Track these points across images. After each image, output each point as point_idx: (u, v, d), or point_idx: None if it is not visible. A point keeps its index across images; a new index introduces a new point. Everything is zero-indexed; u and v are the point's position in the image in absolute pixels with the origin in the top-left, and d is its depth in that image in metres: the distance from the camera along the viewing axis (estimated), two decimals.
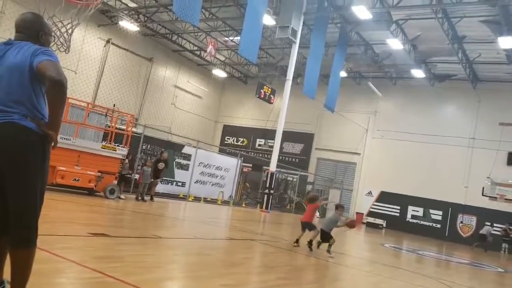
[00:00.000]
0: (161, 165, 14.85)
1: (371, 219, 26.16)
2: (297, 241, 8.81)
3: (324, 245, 8.62)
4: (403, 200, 26.22)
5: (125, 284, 3.90)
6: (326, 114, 26.13)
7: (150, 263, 5.17)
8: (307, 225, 9.02)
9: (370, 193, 27.62)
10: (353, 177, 28.87)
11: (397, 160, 26.70)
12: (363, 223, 26.39)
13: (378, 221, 25.81)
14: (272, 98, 20.02)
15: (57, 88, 2.53)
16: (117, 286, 3.82)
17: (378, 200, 27.29)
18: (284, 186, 27.20)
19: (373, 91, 26.57)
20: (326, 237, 8.56)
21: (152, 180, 14.56)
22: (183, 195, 18.65)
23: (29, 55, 2.62)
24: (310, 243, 8.62)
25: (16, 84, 2.59)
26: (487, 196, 22.73)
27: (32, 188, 2.63)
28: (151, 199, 14.52)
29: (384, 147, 27.62)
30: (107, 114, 15.29)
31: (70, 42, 11.62)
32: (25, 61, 2.61)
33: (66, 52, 11.67)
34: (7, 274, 2.79)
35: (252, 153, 31.14)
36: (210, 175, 20.79)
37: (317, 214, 10.34)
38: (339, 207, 9.32)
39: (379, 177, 27.10)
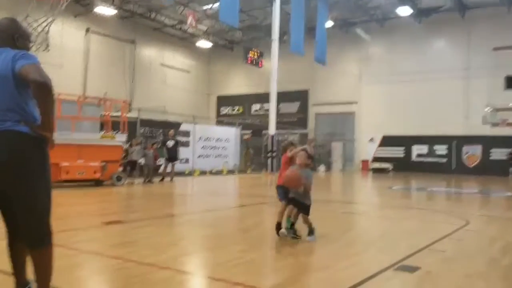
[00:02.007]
0: (170, 143, 14.99)
1: (377, 165, 26.37)
2: (278, 226, 5.43)
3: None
4: (406, 141, 26.34)
5: (145, 265, 3.99)
6: (318, 68, 25.82)
7: (166, 243, 5.27)
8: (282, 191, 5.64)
9: (372, 139, 27.73)
10: (354, 126, 28.89)
11: (395, 103, 26.62)
12: (370, 169, 26.65)
13: (384, 165, 26.01)
14: (261, 61, 19.77)
15: (42, 90, 2.52)
16: (137, 269, 3.91)
17: (381, 145, 27.41)
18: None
19: (362, 37, 26.16)
20: (301, 208, 5.35)
21: (168, 162, 14.86)
22: (189, 171, 18.79)
23: (9, 62, 2.58)
24: (278, 226, 5.42)
25: (3, 93, 2.57)
26: (489, 123, 22.76)
27: (37, 191, 2.65)
28: (171, 180, 14.80)
29: (380, 92, 27.47)
30: (100, 104, 15.19)
31: (48, 40, 11.43)
32: (6, 68, 2.57)
33: (47, 50, 11.49)
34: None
35: (250, 120, 31.07)
36: (212, 147, 20.87)
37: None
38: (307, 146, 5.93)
39: (379, 122, 27.11)
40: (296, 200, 5.30)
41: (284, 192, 5.49)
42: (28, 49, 2.87)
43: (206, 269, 3.95)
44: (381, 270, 4.04)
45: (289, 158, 5.63)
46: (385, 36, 27.47)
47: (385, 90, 27.16)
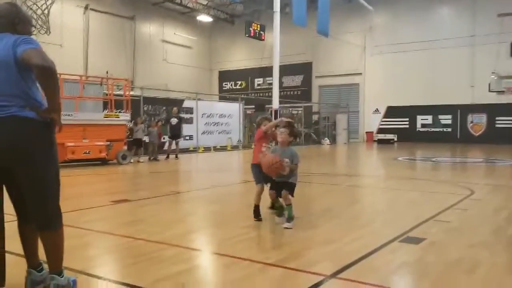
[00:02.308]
0: (174, 120, 15.00)
1: (381, 136, 26.33)
2: (257, 209, 5.01)
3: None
4: (410, 111, 26.20)
5: (154, 243, 4.06)
6: (321, 40, 25.46)
7: (173, 220, 5.35)
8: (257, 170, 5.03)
9: (377, 110, 27.59)
10: (358, 98, 28.71)
11: (399, 73, 26.35)
12: (375, 140, 26.63)
13: (389, 136, 25.97)
14: (263, 34, 19.48)
15: (45, 74, 2.49)
16: (147, 246, 3.98)
17: (386, 116, 27.30)
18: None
19: (365, 6, 25.63)
20: (286, 187, 4.75)
21: (171, 140, 14.89)
22: (193, 148, 18.86)
23: (10, 47, 2.56)
24: (257, 210, 4.99)
25: (6, 79, 2.56)
26: (494, 91, 22.52)
27: (45, 174, 2.68)
28: (176, 157, 14.88)
29: (384, 63, 27.16)
30: (102, 83, 15.13)
31: (49, 23, 11.29)
32: (7, 54, 2.55)
33: (48, 33, 11.37)
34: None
35: (253, 94, 30.91)
36: (215, 124, 20.86)
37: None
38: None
39: (384, 93, 26.91)
40: (281, 182, 4.70)
41: (259, 171, 4.86)
42: (29, 33, 2.84)
43: (212, 245, 4.01)
44: (386, 242, 4.09)
45: (263, 134, 5.05)
46: (389, 5, 26.94)
47: (389, 61, 26.84)
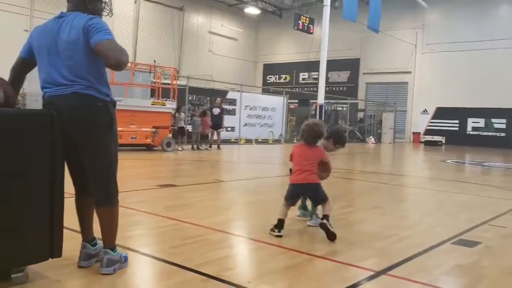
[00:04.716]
0: (216, 111, 15.14)
1: (429, 137, 25.44)
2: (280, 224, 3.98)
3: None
4: (461, 113, 25.14)
5: (201, 227, 4.09)
6: (371, 36, 24.85)
7: (218, 206, 5.38)
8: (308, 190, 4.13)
9: (425, 111, 26.67)
10: (406, 97, 27.86)
11: (450, 73, 25.33)
12: (421, 142, 25.80)
13: (437, 138, 25.05)
14: (311, 27, 19.23)
15: (119, 68, 2.57)
16: (194, 230, 4.01)
17: (434, 117, 26.35)
18: (334, 117, 26.82)
19: (419, 3, 24.73)
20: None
21: (213, 130, 15.02)
22: (234, 139, 18.96)
23: (80, 29, 2.58)
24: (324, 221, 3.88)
25: (74, 59, 2.61)
26: None
27: (105, 151, 2.75)
28: (218, 147, 15.02)
29: (435, 61, 26.19)
30: (151, 70, 15.47)
31: (111, 4, 11.56)
32: (77, 35, 2.59)
33: (110, 15, 11.64)
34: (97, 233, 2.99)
35: (297, 89, 30.66)
36: (258, 116, 20.87)
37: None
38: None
39: (433, 93, 25.97)
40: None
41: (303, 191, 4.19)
42: (100, 11, 2.86)
43: (258, 234, 3.98)
44: (438, 243, 3.93)
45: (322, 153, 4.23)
46: (444, 2, 25.89)
47: (441, 60, 25.84)
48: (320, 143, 4.27)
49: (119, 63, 2.54)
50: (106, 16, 11.71)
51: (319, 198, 3.98)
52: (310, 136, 4.02)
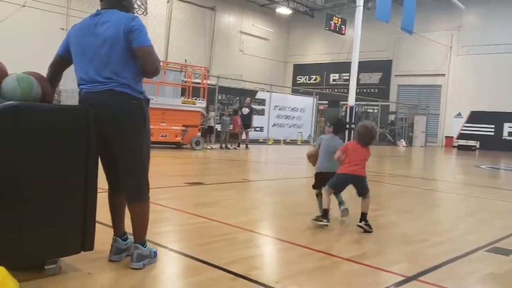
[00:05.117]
0: (245, 110, 15.21)
1: (462, 142, 24.72)
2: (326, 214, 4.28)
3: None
4: (497, 118, 24.30)
5: (229, 226, 4.10)
6: (404, 37, 24.35)
7: (245, 206, 5.39)
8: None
9: (459, 114, 25.92)
10: (439, 100, 27.15)
11: (486, 76, 24.51)
12: (454, 146, 25.10)
13: (471, 142, 24.31)
14: (343, 28, 19.02)
15: (154, 76, 2.83)
16: (221, 228, 4.03)
17: (468, 121, 25.57)
18: (364, 119, 26.47)
19: (455, 4, 24.05)
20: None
21: (242, 130, 15.08)
22: (263, 140, 18.96)
23: (121, 26, 2.64)
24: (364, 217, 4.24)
25: (111, 56, 2.66)
26: None
27: (138, 148, 2.79)
28: (246, 147, 15.09)
29: (470, 64, 25.41)
30: (182, 69, 15.67)
31: (147, 3, 11.73)
32: (117, 34, 2.64)
33: (144, 14, 11.84)
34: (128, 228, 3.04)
35: (327, 90, 30.38)
36: (287, 117, 20.78)
37: None
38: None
39: (468, 96, 25.20)
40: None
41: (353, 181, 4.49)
42: (132, 6, 2.94)
43: (285, 234, 3.95)
44: (471, 250, 3.81)
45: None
46: (482, 3, 25.09)
47: (476, 62, 25.05)
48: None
49: (156, 72, 2.74)
50: (141, 15, 11.90)
51: (364, 189, 4.33)
52: (369, 139, 4.41)
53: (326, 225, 4.19)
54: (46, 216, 2.49)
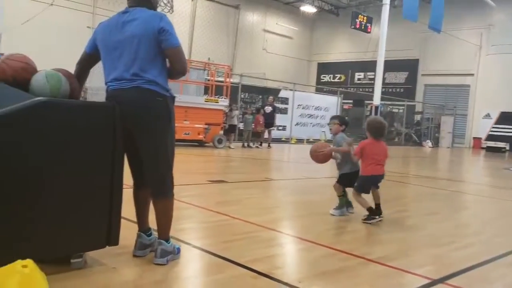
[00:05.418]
0: (268, 109, 15.18)
1: (491, 143, 24.04)
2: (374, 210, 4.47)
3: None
4: None
5: (251, 224, 4.10)
6: (431, 36, 23.85)
7: (267, 204, 5.37)
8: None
9: (488, 115, 25.22)
10: (467, 100, 26.48)
11: None
12: (482, 148, 24.46)
13: (500, 144, 23.62)
14: (369, 26, 18.76)
15: (181, 76, 2.93)
16: (244, 226, 4.03)
17: (498, 122, 24.83)
18: (390, 119, 26.06)
19: (486, 2, 23.39)
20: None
21: (264, 128, 15.05)
22: (285, 138, 18.88)
23: (149, 25, 2.67)
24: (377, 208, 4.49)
25: (139, 53, 2.69)
26: None
27: (162, 145, 2.81)
28: (269, 146, 15.07)
29: (501, 64, 24.66)
30: (205, 68, 15.74)
31: (173, 1, 11.83)
32: (146, 32, 2.67)
33: (170, 12, 11.95)
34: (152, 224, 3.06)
35: (352, 89, 30.04)
36: (310, 116, 20.63)
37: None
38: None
39: (497, 97, 24.48)
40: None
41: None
42: (157, 4, 2.97)
43: (309, 234, 3.92)
44: (500, 255, 3.70)
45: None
46: None
47: (507, 62, 24.30)
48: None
49: (185, 71, 2.82)
50: (167, 13, 12.01)
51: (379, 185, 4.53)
52: (385, 132, 4.57)
53: (380, 220, 4.38)
54: (73, 211, 2.53)
